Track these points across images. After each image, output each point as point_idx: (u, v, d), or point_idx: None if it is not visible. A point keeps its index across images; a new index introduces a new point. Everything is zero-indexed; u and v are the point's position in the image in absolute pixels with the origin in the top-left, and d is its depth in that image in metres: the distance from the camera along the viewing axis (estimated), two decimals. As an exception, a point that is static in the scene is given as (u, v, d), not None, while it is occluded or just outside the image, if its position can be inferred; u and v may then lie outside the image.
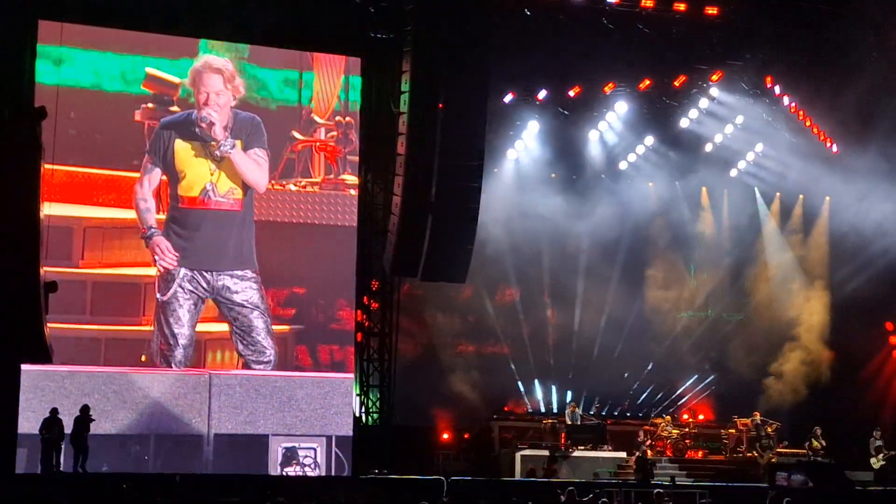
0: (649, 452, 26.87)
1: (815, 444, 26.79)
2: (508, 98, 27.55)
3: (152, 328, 23.77)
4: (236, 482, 22.37)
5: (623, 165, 31.11)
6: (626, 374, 31.24)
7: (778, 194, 32.43)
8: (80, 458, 20.91)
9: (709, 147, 30.84)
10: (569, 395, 30.22)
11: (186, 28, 24.19)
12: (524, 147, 29.72)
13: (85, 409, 21.44)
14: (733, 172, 31.79)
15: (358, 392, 25.25)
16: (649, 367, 31.50)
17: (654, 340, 31.81)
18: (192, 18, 24.04)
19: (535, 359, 30.54)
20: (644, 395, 31.38)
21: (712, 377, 31.97)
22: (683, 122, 29.91)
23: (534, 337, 30.78)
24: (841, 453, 27.37)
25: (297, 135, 25.26)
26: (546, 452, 26.16)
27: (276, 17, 24.41)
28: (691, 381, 31.81)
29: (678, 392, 31.58)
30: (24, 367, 22.38)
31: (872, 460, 26.49)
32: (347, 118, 25.71)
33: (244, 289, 24.36)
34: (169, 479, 20.77)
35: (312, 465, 24.31)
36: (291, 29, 24.71)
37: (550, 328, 31.15)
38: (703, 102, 29.45)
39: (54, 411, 21.23)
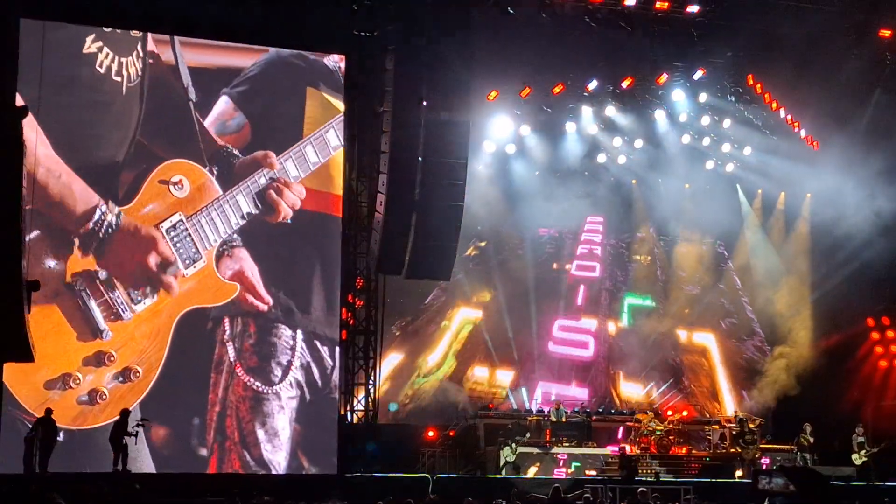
0: (633, 449, 26.95)
1: (804, 440, 26.89)
2: (492, 95, 27.57)
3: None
4: (222, 481, 22.42)
5: (604, 160, 31.13)
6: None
7: (759, 191, 32.60)
8: (118, 458, 20.94)
9: (690, 144, 30.97)
10: (553, 392, 30.29)
11: (168, 27, 24.07)
12: (508, 144, 29.74)
13: (124, 413, 21.39)
14: (713, 168, 31.92)
15: (343, 390, 25.19)
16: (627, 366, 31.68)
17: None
18: (174, 16, 23.96)
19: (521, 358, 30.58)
20: (629, 393, 31.47)
21: (694, 374, 32.06)
22: (665, 120, 30.05)
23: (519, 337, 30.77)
24: (824, 449, 27.50)
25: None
26: (534, 449, 26.19)
27: (258, 15, 24.35)
28: (674, 378, 31.88)
29: (662, 389, 31.63)
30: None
31: (854, 456, 26.62)
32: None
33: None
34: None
35: None
36: (275, 27, 24.66)
37: (535, 328, 31.11)
38: (684, 100, 29.58)
39: (48, 412, 21.17)
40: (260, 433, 23.85)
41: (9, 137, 20.13)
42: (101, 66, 23.52)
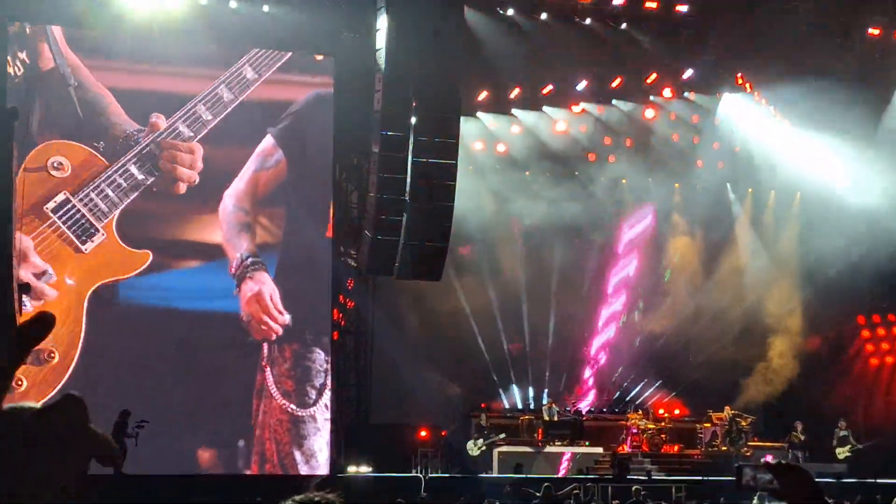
0: (625, 447, 27.01)
1: (795, 438, 27.00)
2: (482, 95, 27.62)
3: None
4: (210, 482, 22.45)
5: (594, 160, 31.14)
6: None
7: (750, 190, 32.62)
8: None
9: (680, 143, 31.04)
10: (545, 392, 30.30)
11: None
12: (498, 143, 29.80)
13: (123, 414, 21.15)
14: (703, 167, 31.95)
15: (335, 389, 25.22)
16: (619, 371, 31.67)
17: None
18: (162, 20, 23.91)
19: (512, 358, 30.54)
20: (620, 392, 31.49)
21: (687, 371, 32.04)
22: (655, 119, 30.14)
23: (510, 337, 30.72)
24: (813, 446, 27.58)
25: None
26: (527, 448, 26.26)
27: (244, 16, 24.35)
28: (665, 377, 31.85)
29: (653, 388, 31.64)
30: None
31: (838, 450, 26.74)
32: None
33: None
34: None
35: None
36: (261, 28, 24.62)
37: (527, 328, 31.05)
38: (674, 99, 29.67)
39: None
40: (297, 455, 24.04)
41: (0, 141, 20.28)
42: None
